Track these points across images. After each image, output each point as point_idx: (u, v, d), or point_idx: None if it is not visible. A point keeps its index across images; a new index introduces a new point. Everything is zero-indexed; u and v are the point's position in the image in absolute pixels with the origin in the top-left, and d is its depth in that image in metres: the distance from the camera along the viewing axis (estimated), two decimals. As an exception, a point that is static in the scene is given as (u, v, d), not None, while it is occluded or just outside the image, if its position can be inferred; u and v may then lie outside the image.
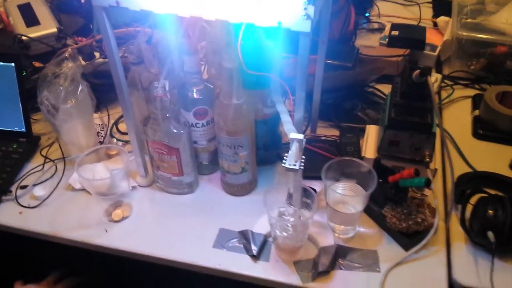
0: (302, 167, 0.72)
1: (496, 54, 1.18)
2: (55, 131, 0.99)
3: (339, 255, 0.82)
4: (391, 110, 0.93)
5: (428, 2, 1.54)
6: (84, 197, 0.95)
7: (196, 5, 0.67)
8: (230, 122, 0.83)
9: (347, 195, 0.87)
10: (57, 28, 1.22)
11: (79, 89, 0.94)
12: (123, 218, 0.91)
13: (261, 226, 0.87)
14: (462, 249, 0.84)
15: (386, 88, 1.16)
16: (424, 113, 0.91)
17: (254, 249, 0.83)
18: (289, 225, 0.80)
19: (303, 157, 0.73)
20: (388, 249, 0.84)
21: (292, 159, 0.72)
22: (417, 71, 0.88)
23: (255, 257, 0.83)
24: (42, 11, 1.28)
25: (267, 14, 0.64)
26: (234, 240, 0.86)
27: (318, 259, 0.81)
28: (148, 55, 0.89)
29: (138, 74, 0.92)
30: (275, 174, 1.00)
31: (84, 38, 1.24)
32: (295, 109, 0.76)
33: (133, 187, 0.97)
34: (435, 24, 1.41)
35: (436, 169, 0.97)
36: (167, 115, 0.84)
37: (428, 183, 0.78)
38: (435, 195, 0.87)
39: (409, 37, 1.25)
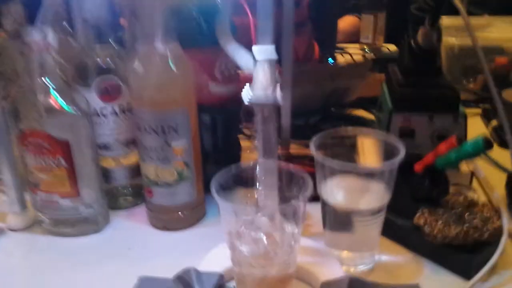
0: (278, 100, 0.40)
1: (496, 67, 0.97)
2: None
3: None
4: (396, 90, 0.65)
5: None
6: None
7: None
8: (153, 84, 0.51)
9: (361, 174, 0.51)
10: None
11: None
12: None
13: (213, 262, 0.49)
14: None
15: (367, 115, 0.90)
16: (441, 89, 0.64)
17: (202, 297, 0.45)
18: (262, 234, 0.44)
19: (278, 84, 0.41)
20: (436, 281, 0.49)
21: (259, 87, 0.40)
22: (425, 29, 0.62)
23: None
24: None
25: None
26: (167, 293, 0.47)
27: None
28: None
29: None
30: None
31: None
32: (259, 39, 0.46)
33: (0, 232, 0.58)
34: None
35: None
36: (52, 85, 0.52)
37: (488, 144, 0.47)
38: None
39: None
